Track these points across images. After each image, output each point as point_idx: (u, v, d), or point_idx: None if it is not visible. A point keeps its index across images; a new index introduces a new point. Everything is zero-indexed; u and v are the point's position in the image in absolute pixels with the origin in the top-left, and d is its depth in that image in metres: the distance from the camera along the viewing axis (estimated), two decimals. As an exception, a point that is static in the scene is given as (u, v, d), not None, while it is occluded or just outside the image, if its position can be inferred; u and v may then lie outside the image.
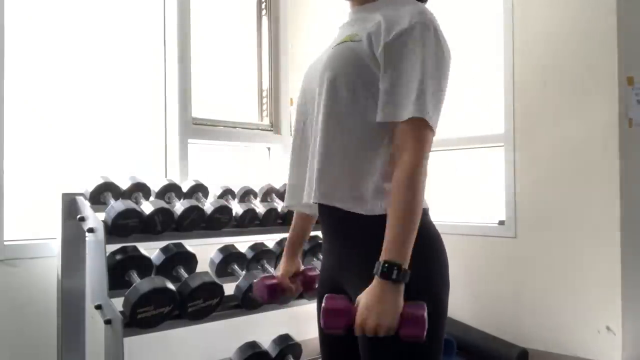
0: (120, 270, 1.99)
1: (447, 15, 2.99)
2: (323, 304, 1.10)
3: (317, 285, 1.43)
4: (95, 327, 2.17)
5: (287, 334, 2.47)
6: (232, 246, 2.38)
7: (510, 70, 2.99)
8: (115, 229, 1.95)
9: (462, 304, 3.10)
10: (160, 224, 2.05)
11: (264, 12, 3.44)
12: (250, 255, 2.39)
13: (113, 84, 2.74)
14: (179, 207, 2.13)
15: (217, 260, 2.32)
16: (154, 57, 2.93)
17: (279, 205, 2.46)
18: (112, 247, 2.02)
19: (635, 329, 2.62)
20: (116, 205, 1.97)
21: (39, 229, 2.35)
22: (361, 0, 1.31)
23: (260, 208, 2.40)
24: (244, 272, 2.27)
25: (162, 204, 2.07)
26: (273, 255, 2.44)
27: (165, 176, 2.86)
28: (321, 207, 1.27)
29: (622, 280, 2.58)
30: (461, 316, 3.11)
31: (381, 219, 1.13)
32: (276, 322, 2.65)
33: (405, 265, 1.07)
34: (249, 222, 2.35)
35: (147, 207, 2.04)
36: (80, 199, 2.10)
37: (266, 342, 2.41)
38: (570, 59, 2.77)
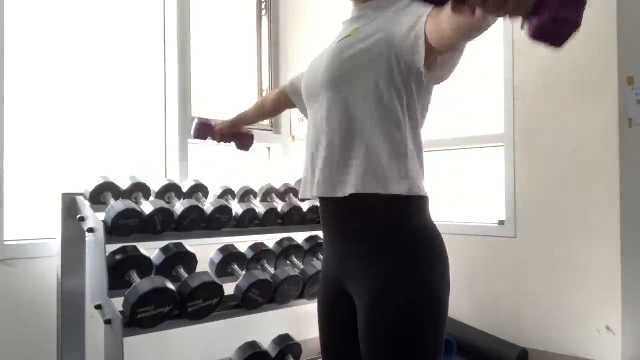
0: (120, 270, 1.99)
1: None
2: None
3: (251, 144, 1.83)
4: (95, 327, 2.17)
5: (287, 334, 2.47)
6: (232, 246, 2.38)
7: (510, 70, 2.99)
8: (115, 229, 1.95)
9: (462, 304, 3.10)
10: (160, 224, 2.05)
11: (264, 12, 3.44)
12: (250, 255, 2.39)
13: (113, 84, 2.74)
14: (179, 207, 2.13)
15: (217, 260, 2.32)
16: (154, 57, 2.93)
17: (279, 205, 2.46)
18: (112, 247, 2.02)
19: (635, 329, 2.62)
20: (116, 205, 1.97)
21: (38, 229, 2.35)
22: None
23: (260, 208, 2.40)
24: (244, 272, 2.27)
25: (162, 204, 2.07)
26: (273, 255, 2.45)
27: (165, 176, 2.87)
28: (332, 202, 1.25)
29: (622, 280, 2.58)
30: (461, 316, 3.11)
31: (403, 201, 1.14)
32: (276, 322, 2.66)
33: None
34: (249, 222, 2.35)
35: (147, 207, 2.04)
36: (80, 199, 2.10)
37: (266, 342, 2.41)
38: (570, 59, 2.77)
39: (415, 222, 1.17)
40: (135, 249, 2.07)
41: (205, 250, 2.33)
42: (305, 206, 2.50)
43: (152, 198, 2.25)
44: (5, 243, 2.19)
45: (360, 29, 1.24)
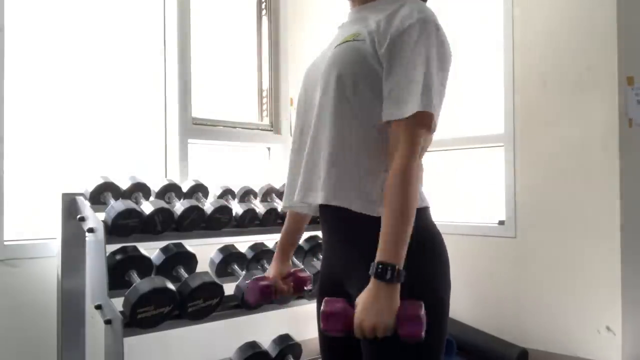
0: (120, 270, 1.99)
1: (447, 15, 3.01)
2: (322, 308, 1.10)
3: (309, 287, 1.46)
4: (95, 327, 2.17)
5: (287, 334, 2.47)
6: (232, 246, 2.38)
7: (510, 69, 2.99)
8: (115, 229, 1.95)
9: (462, 304, 3.10)
10: (160, 224, 2.05)
11: (264, 12, 3.44)
12: (250, 255, 2.39)
13: (113, 84, 2.74)
14: (179, 207, 2.13)
15: (217, 260, 2.32)
16: (154, 57, 2.93)
17: (279, 205, 2.46)
18: (112, 247, 2.02)
19: (635, 329, 2.62)
20: (116, 205, 1.97)
21: (39, 229, 2.34)
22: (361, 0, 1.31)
23: (260, 208, 2.40)
24: (244, 272, 2.27)
25: (162, 204, 2.07)
26: (273, 255, 2.44)
27: (165, 176, 2.86)
28: (323, 207, 1.26)
29: (622, 280, 2.58)
30: (461, 316, 3.11)
31: None
32: (276, 322, 2.66)
33: (400, 266, 1.07)
34: (249, 222, 2.35)
35: (147, 207, 2.04)
36: (80, 199, 2.10)
37: (266, 342, 2.41)
38: (570, 58, 2.77)
39: (416, 222, 1.16)
40: (135, 249, 2.07)
41: (205, 250, 2.33)
42: (305, 206, 2.49)
43: (152, 198, 2.25)
44: (6, 243, 2.19)
45: (356, 34, 1.23)
